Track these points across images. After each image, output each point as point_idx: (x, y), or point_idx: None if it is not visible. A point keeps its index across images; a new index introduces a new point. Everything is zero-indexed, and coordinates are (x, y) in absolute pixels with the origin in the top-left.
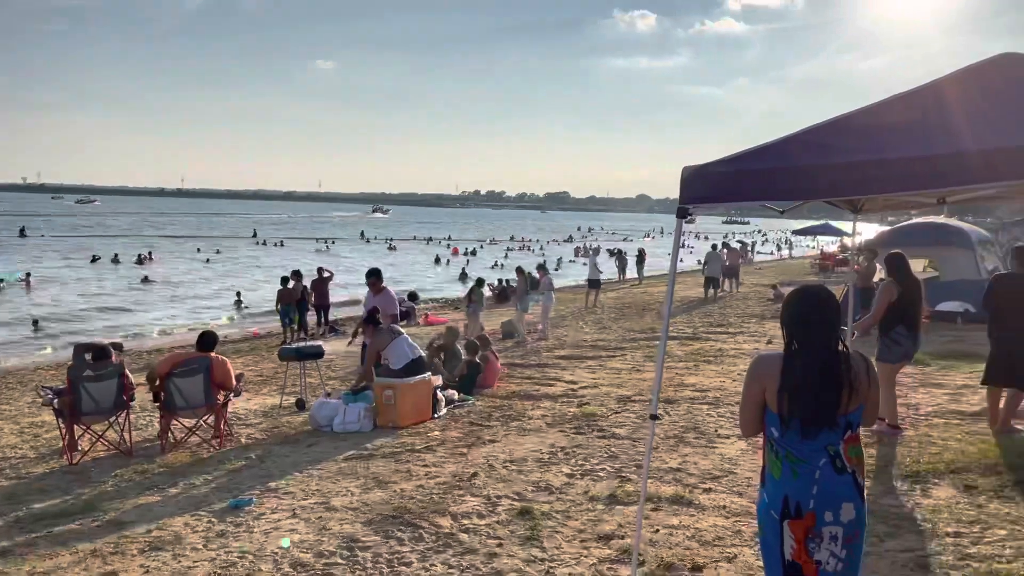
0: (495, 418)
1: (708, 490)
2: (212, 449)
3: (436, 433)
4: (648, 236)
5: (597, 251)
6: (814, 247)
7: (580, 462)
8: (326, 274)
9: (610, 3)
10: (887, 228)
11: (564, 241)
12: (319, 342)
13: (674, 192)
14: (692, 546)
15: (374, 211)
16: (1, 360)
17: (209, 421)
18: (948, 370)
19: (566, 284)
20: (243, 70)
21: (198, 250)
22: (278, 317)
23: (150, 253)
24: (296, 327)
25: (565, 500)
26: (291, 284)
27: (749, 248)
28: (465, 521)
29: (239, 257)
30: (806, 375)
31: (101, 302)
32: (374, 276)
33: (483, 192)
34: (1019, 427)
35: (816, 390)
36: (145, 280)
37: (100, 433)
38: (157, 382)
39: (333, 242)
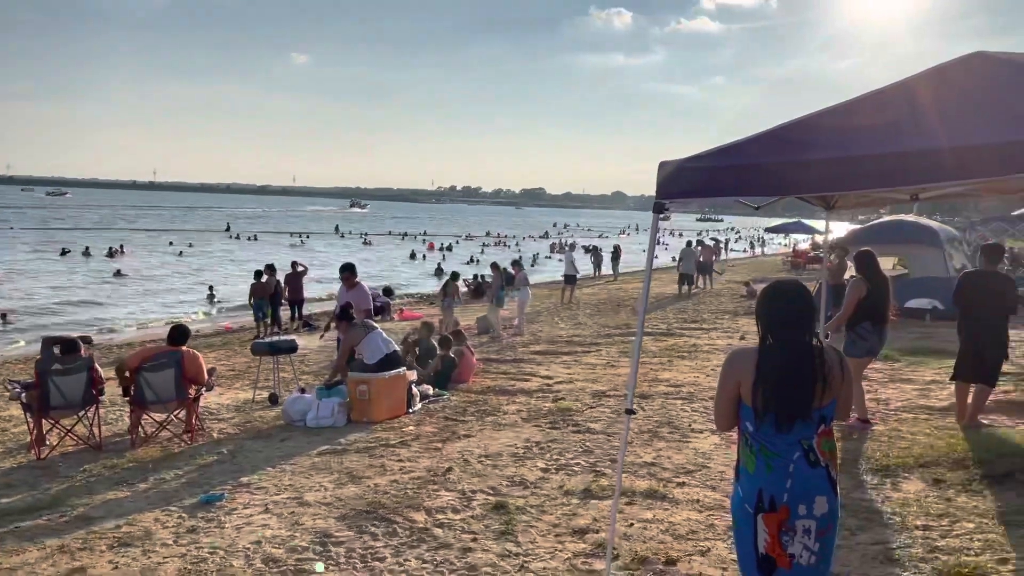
0: (470, 413)
1: (682, 484)
2: (183, 444)
3: (411, 428)
4: (623, 233)
5: (573, 247)
6: (786, 245)
7: (555, 457)
8: (300, 268)
9: (586, 0)
10: (858, 226)
11: (540, 237)
12: (293, 337)
13: (649, 190)
14: (666, 540)
15: (352, 206)
16: None
17: (180, 416)
18: (917, 366)
19: (542, 280)
20: (216, 63)
21: (170, 243)
22: (251, 311)
23: (121, 246)
24: (269, 321)
25: (540, 495)
26: (264, 278)
27: (723, 245)
28: (439, 516)
29: (212, 251)
30: (781, 369)
31: (72, 295)
32: (348, 271)
33: (459, 188)
34: (986, 422)
35: (790, 384)
36: (117, 274)
37: (69, 428)
38: (127, 375)
39: (308, 236)
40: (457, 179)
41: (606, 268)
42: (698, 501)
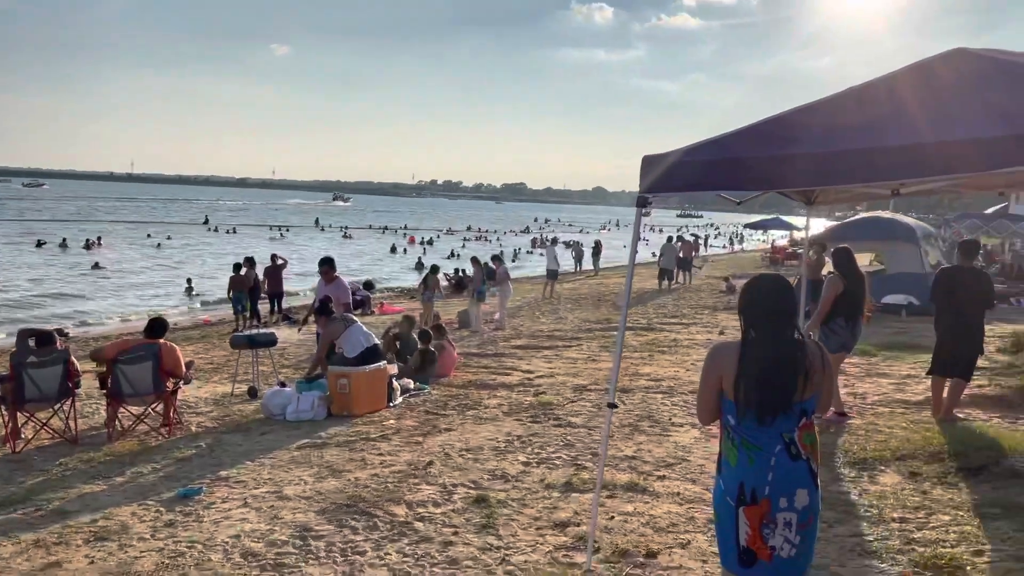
0: (451, 407)
1: (662, 477)
2: (161, 437)
3: (391, 422)
4: (604, 228)
5: (555, 242)
6: (765, 241)
7: (536, 450)
8: (280, 261)
9: None
10: (835, 223)
11: (521, 232)
12: (272, 330)
13: (630, 185)
14: (647, 532)
15: (335, 199)
16: None
17: (158, 409)
18: (893, 361)
19: (523, 275)
20: (195, 53)
21: (148, 235)
22: (230, 304)
23: (99, 238)
24: (248, 314)
25: (521, 488)
26: (243, 271)
27: (702, 241)
28: (420, 509)
29: (191, 244)
30: (763, 363)
31: (48, 288)
32: (326, 265)
33: (440, 182)
34: (961, 416)
35: (773, 378)
36: (96, 266)
37: (44, 421)
38: (104, 367)
39: (288, 230)
40: (438, 173)
41: (587, 263)
42: (678, 494)
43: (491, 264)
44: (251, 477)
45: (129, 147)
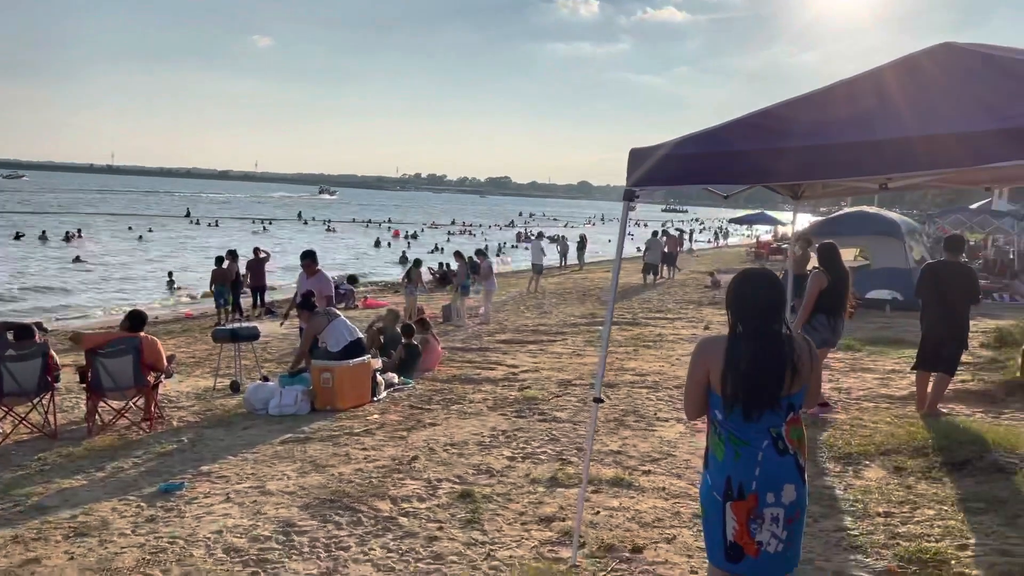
0: (436, 401)
1: (647, 472)
2: (142, 432)
3: (375, 416)
4: (589, 223)
5: (540, 236)
6: (750, 235)
7: (521, 445)
8: (263, 255)
9: None
10: (820, 218)
11: (506, 226)
12: (254, 323)
13: (615, 179)
14: (632, 527)
15: (321, 192)
16: None
17: (139, 403)
18: (877, 356)
19: (508, 269)
20: (176, 44)
21: (130, 228)
22: (212, 298)
23: (79, 231)
24: (231, 308)
25: (506, 483)
26: (226, 264)
27: (687, 236)
28: (405, 505)
29: (172, 237)
30: (750, 357)
31: (27, 281)
32: (309, 258)
33: (424, 175)
34: (945, 411)
35: (760, 372)
36: (76, 260)
37: (23, 415)
38: (84, 361)
39: (270, 223)
40: (422, 167)
41: (572, 258)
42: (664, 489)
43: (475, 259)
44: (233, 472)
45: (110, 139)
